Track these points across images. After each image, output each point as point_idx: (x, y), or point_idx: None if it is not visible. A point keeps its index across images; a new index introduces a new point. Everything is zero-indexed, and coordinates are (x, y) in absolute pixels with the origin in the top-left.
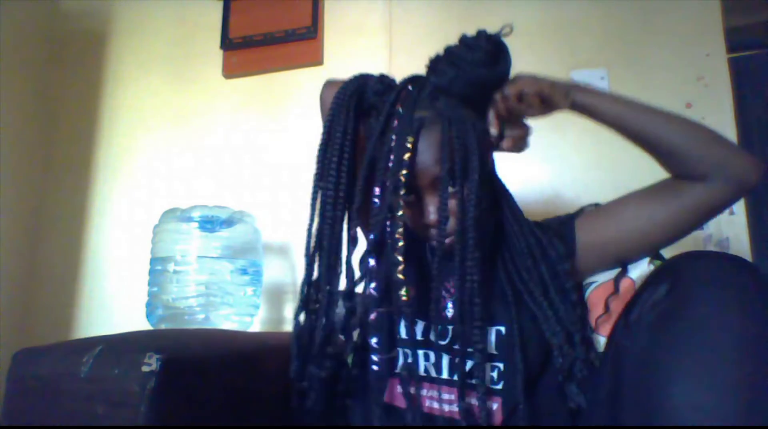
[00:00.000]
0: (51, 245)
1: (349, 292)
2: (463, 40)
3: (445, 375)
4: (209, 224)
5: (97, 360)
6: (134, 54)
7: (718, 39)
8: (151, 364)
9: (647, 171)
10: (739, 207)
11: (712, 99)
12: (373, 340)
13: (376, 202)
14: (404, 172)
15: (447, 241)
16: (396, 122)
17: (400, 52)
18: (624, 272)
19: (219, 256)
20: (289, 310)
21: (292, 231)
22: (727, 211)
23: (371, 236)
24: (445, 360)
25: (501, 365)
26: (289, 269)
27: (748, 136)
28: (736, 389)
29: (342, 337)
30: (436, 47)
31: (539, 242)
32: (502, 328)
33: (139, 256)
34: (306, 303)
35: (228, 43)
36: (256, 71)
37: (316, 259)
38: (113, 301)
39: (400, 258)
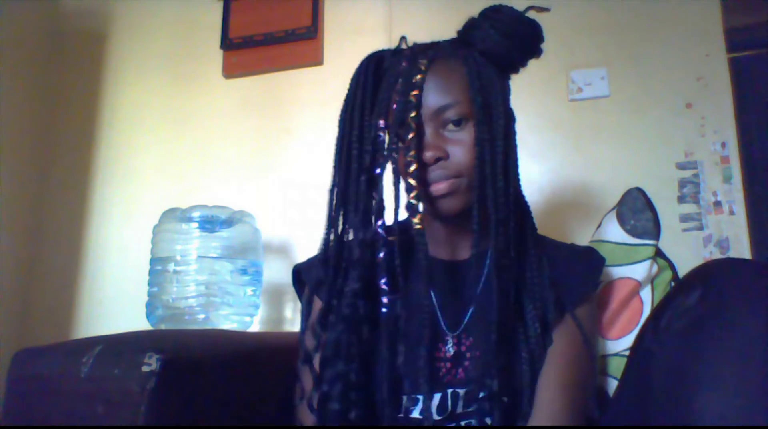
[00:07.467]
0: (51, 245)
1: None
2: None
3: None
4: (209, 224)
5: (97, 360)
6: (134, 54)
7: (718, 39)
8: (151, 364)
9: (646, 171)
10: (739, 207)
11: (712, 99)
12: (382, 281)
13: (380, 136)
14: (414, 92)
15: (444, 184)
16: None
17: None
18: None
19: (219, 256)
20: (288, 310)
21: (292, 231)
22: (727, 211)
23: (376, 170)
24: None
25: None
26: (289, 269)
27: (748, 136)
28: (766, 399)
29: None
30: None
31: (543, 273)
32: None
33: (139, 256)
34: (333, 229)
35: (228, 43)
36: (256, 71)
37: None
38: (113, 301)
39: (413, 182)
